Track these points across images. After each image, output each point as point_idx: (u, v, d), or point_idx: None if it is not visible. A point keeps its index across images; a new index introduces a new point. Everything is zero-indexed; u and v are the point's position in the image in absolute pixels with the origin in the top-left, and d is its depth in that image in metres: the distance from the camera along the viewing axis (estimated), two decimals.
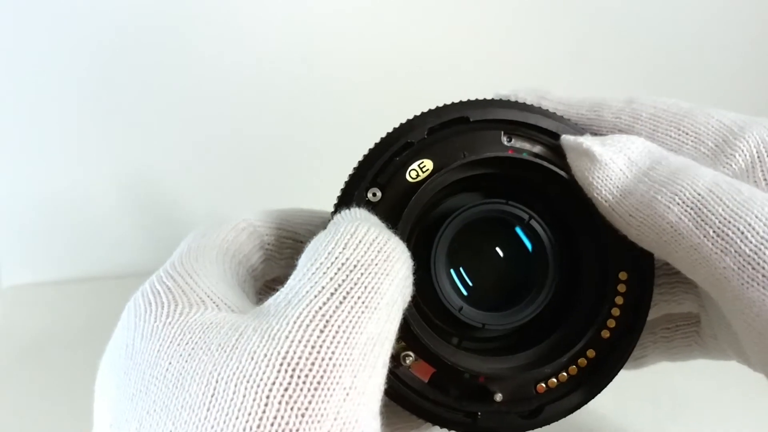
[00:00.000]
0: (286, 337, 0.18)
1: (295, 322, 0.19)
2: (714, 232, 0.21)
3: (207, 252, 0.25)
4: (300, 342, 0.18)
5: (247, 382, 0.18)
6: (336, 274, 0.20)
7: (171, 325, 0.21)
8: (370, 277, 0.20)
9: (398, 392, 0.25)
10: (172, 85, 0.59)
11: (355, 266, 0.20)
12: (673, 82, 0.64)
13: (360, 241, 0.21)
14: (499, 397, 0.26)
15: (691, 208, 0.22)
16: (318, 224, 0.28)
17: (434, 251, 0.25)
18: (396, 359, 0.25)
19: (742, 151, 0.25)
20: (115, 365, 0.21)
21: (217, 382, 0.18)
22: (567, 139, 0.26)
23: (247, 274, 0.26)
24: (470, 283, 0.26)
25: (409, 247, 0.25)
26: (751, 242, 0.21)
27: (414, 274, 0.23)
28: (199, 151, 0.62)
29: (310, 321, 0.19)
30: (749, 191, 0.22)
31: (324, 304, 0.19)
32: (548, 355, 0.26)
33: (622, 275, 0.26)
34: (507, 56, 0.63)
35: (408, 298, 0.22)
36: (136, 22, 0.57)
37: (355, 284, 0.20)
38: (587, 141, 0.25)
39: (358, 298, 0.20)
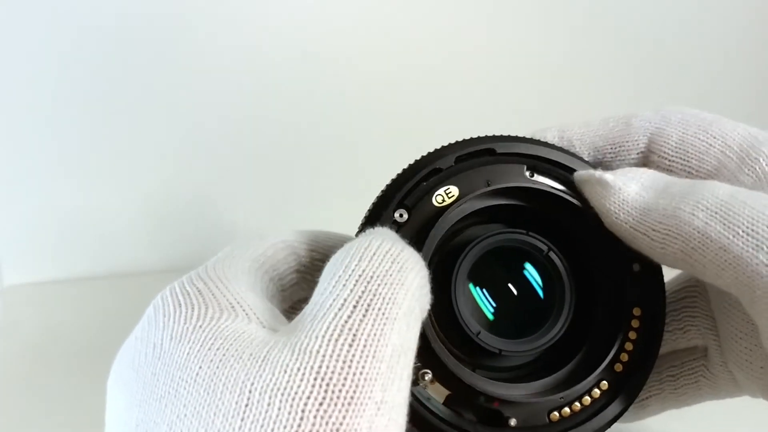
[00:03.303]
0: (317, 352, 0.19)
1: (323, 336, 0.19)
2: (743, 231, 0.22)
3: (241, 262, 0.25)
4: (331, 356, 0.19)
5: (282, 394, 0.18)
6: (354, 285, 0.20)
7: (202, 329, 0.21)
8: (386, 287, 0.21)
9: (415, 411, 0.26)
10: (177, 91, 0.60)
11: (371, 277, 0.21)
12: (675, 86, 0.65)
13: (374, 254, 0.21)
14: (513, 422, 0.26)
15: (717, 212, 0.23)
16: None
17: (455, 276, 0.26)
18: (414, 377, 0.25)
19: (767, 155, 0.26)
20: (141, 364, 0.21)
21: (250, 392, 0.18)
22: (580, 174, 0.27)
23: (277, 291, 0.26)
24: (494, 306, 0.27)
25: (430, 269, 0.25)
26: None
27: (432, 296, 0.23)
28: (203, 150, 0.62)
29: (339, 334, 0.19)
30: None
31: (349, 317, 0.20)
32: (562, 384, 0.26)
33: (636, 311, 0.27)
34: (512, 56, 0.63)
35: (426, 308, 0.23)
36: (148, 31, 0.58)
37: (374, 295, 0.20)
38: (599, 172, 0.26)
39: (379, 309, 0.20)
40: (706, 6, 0.64)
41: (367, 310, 0.20)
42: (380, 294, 0.20)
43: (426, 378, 0.26)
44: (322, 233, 0.29)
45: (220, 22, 0.59)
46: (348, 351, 0.19)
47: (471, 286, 0.27)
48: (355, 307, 0.20)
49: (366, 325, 0.19)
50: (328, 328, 0.19)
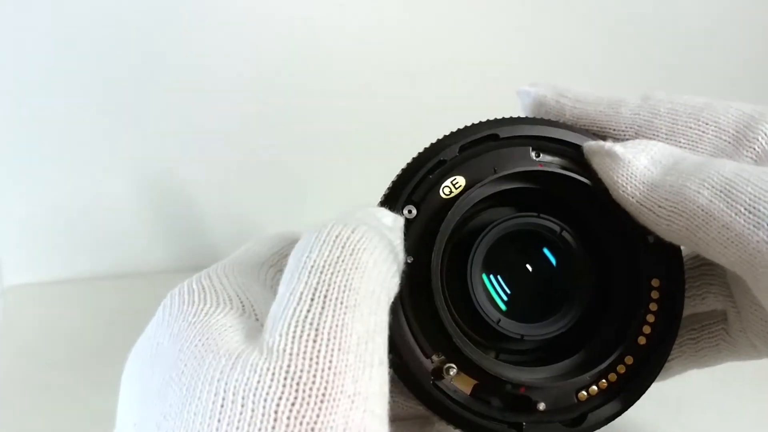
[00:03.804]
0: (284, 350, 0.18)
1: (287, 334, 0.19)
2: (745, 209, 0.22)
3: (255, 258, 0.25)
4: (298, 354, 0.18)
5: (254, 395, 0.18)
6: (309, 277, 0.20)
7: (194, 325, 0.21)
8: (339, 275, 0.20)
9: (443, 405, 0.25)
10: (177, 91, 0.60)
11: (323, 267, 0.20)
12: (675, 86, 0.64)
13: (323, 242, 0.21)
14: (542, 406, 0.26)
15: (721, 191, 0.23)
16: None
17: (470, 265, 0.26)
18: (438, 372, 0.26)
19: (765, 134, 0.26)
20: (144, 362, 0.21)
21: (225, 391, 0.18)
22: (589, 144, 0.26)
23: None
24: (508, 293, 0.27)
25: (444, 261, 0.26)
26: None
27: (449, 286, 0.23)
28: (203, 148, 0.62)
29: (302, 331, 0.19)
30: None
31: (308, 311, 0.19)
32: (587, 363, 0.26)
33: (655, 282, 0.27)
34: (512, 54, 0.63)
35: (392, 286, 0.22)
36: (149, 25, 0.58)
37: (329, 285, 0.20)
38: (609, 143, 0.26)
39: (336, 299, 0.19)
40: (706, 6, 0.64)
41: (324, 302, 0.19)
42: (335, 283, 0.20)
43: (451, 372, 0.25)
44: None
45: (220, 22, 0.59)
46: (313, 347, 0.18)
47: (483, 276, 0.27)
48: (312, 300, 0.19)
49: (326, 318, 0.19)
50: (290, 325, 0.19)
